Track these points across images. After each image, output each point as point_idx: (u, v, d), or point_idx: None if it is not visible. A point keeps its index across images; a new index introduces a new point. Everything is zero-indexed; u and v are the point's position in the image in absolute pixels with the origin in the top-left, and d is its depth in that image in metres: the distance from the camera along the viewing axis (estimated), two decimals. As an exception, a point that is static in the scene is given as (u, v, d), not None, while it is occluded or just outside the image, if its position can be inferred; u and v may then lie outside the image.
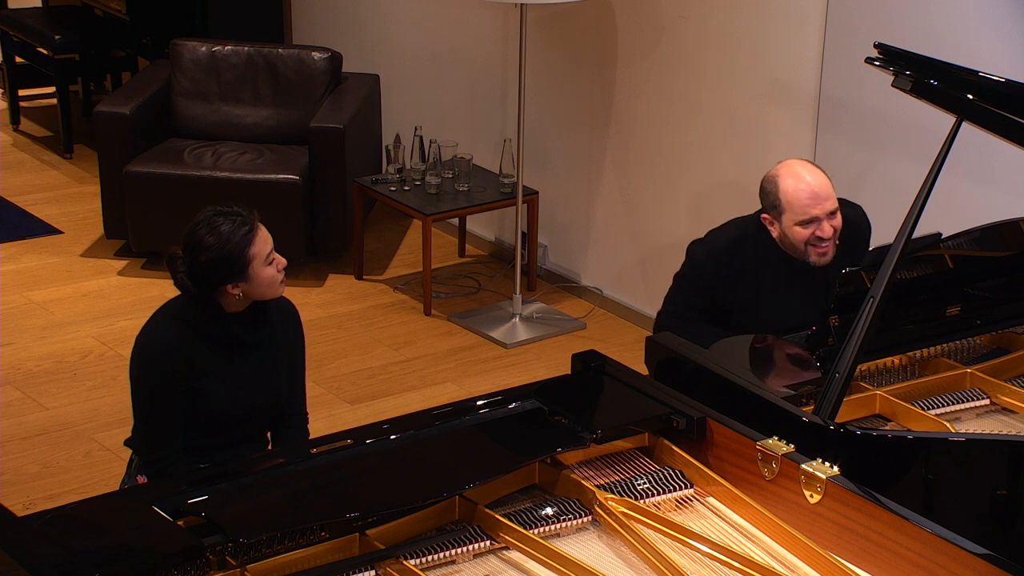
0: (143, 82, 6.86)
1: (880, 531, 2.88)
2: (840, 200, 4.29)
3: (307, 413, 3.98)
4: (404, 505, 2.96)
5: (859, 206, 4.36)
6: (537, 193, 6.36)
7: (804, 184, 4.06)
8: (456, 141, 6.50)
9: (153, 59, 7.47)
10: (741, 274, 4.17)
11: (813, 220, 4.06)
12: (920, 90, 3.56)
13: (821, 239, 4.07)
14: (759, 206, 4.22)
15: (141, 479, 3.79)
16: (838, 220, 4.10)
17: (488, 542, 2.96)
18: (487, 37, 6.65)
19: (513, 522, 2.97)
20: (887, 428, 3.59)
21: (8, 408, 5.34)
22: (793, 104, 5.33)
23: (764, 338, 4.04)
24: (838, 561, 2.86)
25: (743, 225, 4.25)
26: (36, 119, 8.29)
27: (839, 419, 3.45)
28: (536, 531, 2.98)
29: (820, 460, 3.03)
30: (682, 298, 4.25)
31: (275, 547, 2.83)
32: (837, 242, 4.12)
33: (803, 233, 4.07)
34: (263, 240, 3.69)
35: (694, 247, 4.26)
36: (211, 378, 3.71)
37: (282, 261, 3.75)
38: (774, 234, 4.14)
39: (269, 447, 3.93)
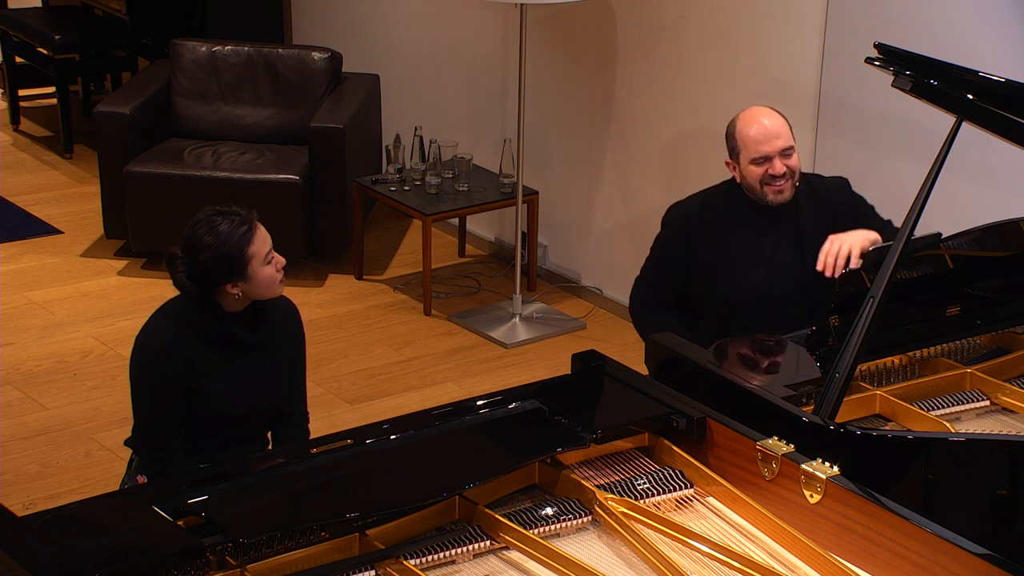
0: (143, 82, 6.86)
1: (880, 531, 2.88)
2: (834, 178, 4.38)
3: (308, 413, 3.98)
4: (404, 505, 2.96)
5: (845, 179, 4.40)
6: (537, 193, 6.36)
7: (758, 123, 4.21)
8: (456, 141, 6.50)
9: (153, 59, 7.47)
10: (714, 228, 4.28)
11: (765, 158, 4.18)
12: (920, 90, 3.56)
13: (774, 177, 4.19)
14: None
15: (141, 479, 3.79)
16: (793, 160, 4.22)
17: (488, 542, 2.96)
18: (487, 37, 6.65)
19: (513, 522, 2.97)
20: (887, 428, 3.59)
21: (8, 408, 5.34)
22: (793, 104, 5.33)
23: (764, 338, 4.04)
24: (838, 561, 2.86)
25: (717, 186, 4.39)
26: (36, 119, 8.30)
27: (839, 419, 3.45)
28: (536, 531, 2.97)
29: (820, 460, 3.02)
30: (654, 263, 4.40)
31: (275, 547, 2.83)
32: (797, 183, 4.23)
33: (757, 171, 4.20)
34: (262, 239, 3.69)
35: (668, 211, 4.40)
36: (211, 378, 3.71)
37: (281, 260, 3.75)
38: (737, 178, 4.27)
39: (269, 447, 3.93)
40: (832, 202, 4.29)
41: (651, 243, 4.41)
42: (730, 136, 4.26)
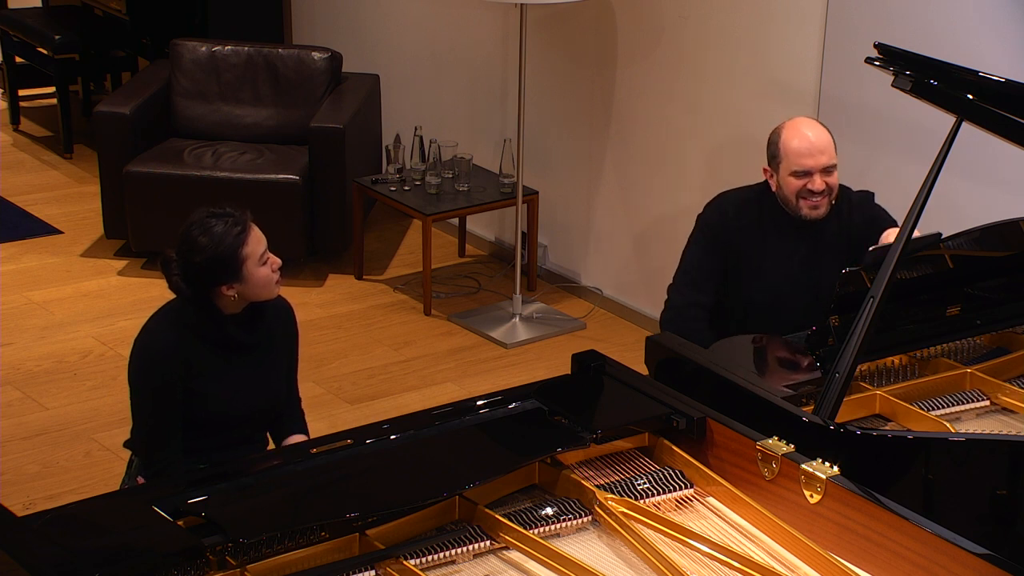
0: (143, 82, 6.86)
1: (880, 531, 2.88)
2: (860, 192, 4.35)
3: (300, 398, 3.99)
4: (404, 505, 2.96)
5: (871, 193, 4.38)
6: (537, 193, 6.36)
7: (802, 137, 4.18)
8: (456, 141, 6.50)
9: (153, 59, 7.47)
10: (745, 228, 4.27)
11: (806, 172, 4.17)
12: (920, 90, 3.56)
13: (812, 192, 4.18)
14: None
15: (141, 480, 3.79)
16: (833, 178, 4.20)
17: (488, 542, 2.96)
18: (487, 37, 6.65)
19: (513, 522, 2.97)
20: (887, 428, 3.59)
21: (8, 408, 5.34)
22: (793, 104, 5.33)
23: (764, 338, 4.05)
24: (838, 561, 2.86)
25: (751, 187, 4.37)
26: (36, 119, 8.30)
27: (839, 419, 3.45)
28: (536, 531, 2.98)
29: (820, 460, 3.03)
30: (696, 261, 4.32)
31: (275, 547, 2.83)
32: (833, 201, 4.22)
33: (795, 184, 4.19)
34: (256, 240, 3.67)
35: (705, 209, 4.37)
36: (209, 379, 3.71)
37: (276, 261, 3.73)
38: (773, 187, 4.26)
39: (269, 447, 3.93)
40: (853, 219, 4.27)
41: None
42: (772, 144, 4.23)
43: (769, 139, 4.27)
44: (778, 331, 4.06)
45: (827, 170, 4.18)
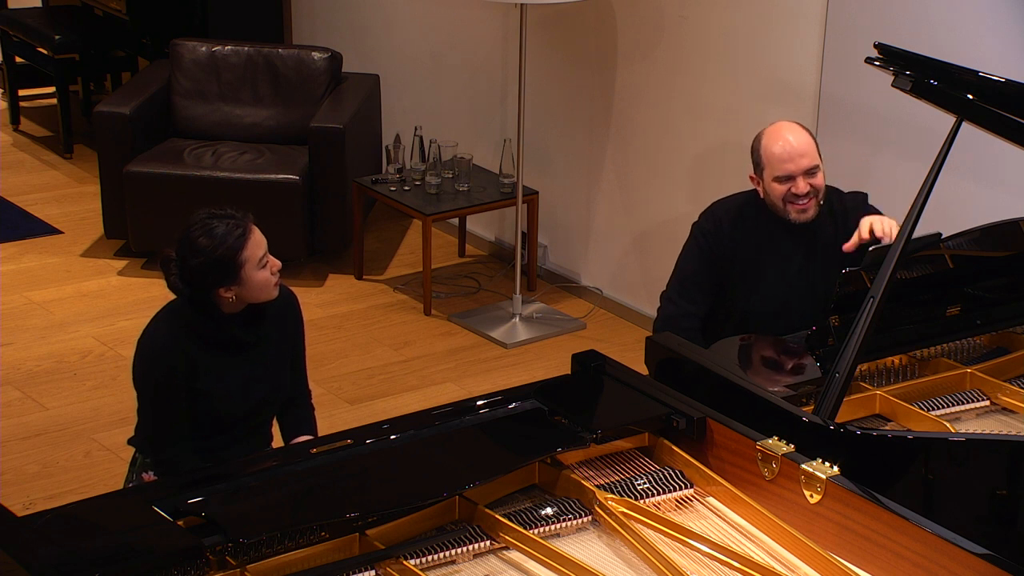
0: (143, 82, 6.87)
1: (880, 531, 2.88)
2: (852, 193, 4.33)
3: (310, 391, 3.99)
4: (404, 505, 2.96)
5: (864, 195, 4.37)
6: (537, 193, 6.36)
7: (783, 141, 4.17)
8: (456, 141, 6.50)
9: (153, 59, 7.47)
10: (741, 236, 4.26)
11: (789, 177, 4.16)
12: (920, 90, 3.56)
13: (797, 196, 4.17)
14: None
15: (147, 476, 3.79)
16: (818, 179, 4.19)
17: (488, 542, 2.96)
18: (487, 37, 6.65)
19: (513, 522, 2.97)
20: (887, 428, 3.59)
21: (8, 408, 5.34)
22: (793, 104, 5.33)
23: (764, 338, 4.04)
24: (838, 561, 2.86)
25: (744, 194, 4.35)
26: (36, 119, 8.30)
27: (839, 419, 3.45)
28: (536, 531, 2.98)
29: (820, 460, 3.03)
30: (690, 273, 4.29)
31: (275, 547, 2.83)
32: (821, 202, 4.21)
33: (780, 189, 4.18)
34: (256, 244, 3.65)
35: (701, 218, 4.34)
36: (213, 378, 3.71)
37: (276, 264, 3.71)
38: (760, 193, 4.25)
39: (273, 441, 3.93)
40: (848, 221, 4.26)
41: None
42: (755, 151, 4.23)
43: (752, 146, 4.25)
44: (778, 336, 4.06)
45: (810, 172, 4.16)
